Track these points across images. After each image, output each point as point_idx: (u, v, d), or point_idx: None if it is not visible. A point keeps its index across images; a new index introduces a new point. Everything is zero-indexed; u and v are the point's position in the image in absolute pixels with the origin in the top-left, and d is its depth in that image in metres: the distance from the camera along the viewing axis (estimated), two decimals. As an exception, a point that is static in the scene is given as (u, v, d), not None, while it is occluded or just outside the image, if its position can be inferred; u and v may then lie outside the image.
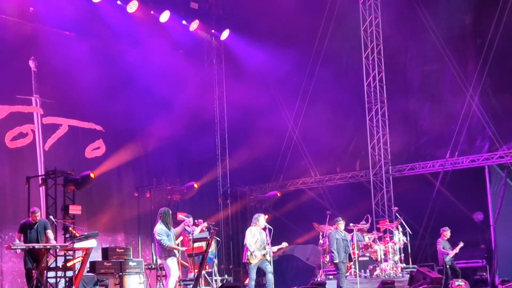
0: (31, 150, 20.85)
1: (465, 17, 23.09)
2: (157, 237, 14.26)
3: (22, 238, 15.61)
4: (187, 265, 17.93)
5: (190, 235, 17.17)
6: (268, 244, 16.00)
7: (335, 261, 17.01)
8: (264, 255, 15.78)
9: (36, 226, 15.72)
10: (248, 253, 15.76)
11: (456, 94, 22.67)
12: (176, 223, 17.95)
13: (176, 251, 14.50)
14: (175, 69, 23.85)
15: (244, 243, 16.02)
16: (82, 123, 22.14)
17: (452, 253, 19.14)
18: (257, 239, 15.80)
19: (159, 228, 14.35)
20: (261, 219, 16.08)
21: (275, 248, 16.28)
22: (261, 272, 16.39)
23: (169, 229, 14.48)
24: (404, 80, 24.02)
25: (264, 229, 16.16)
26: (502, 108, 22.27)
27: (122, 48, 22.75)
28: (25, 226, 15.72)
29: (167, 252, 14.29)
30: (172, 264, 14.40)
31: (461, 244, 19.39)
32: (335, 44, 24.53)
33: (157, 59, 23.38)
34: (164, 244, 14.18)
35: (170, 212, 14.86)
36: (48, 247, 15.65)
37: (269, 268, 15.84)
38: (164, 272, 16.32)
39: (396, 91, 23.67)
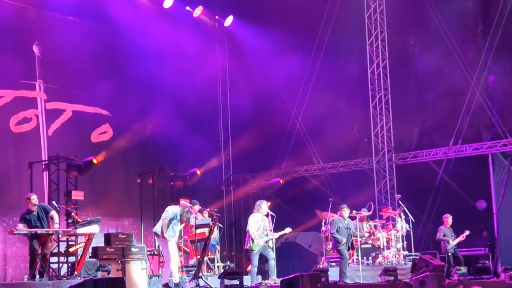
0: (35, 135, 20.88)
1: (468, 4, 23.02)
2: (165, 212, 14.44)
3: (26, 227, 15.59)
4: (188, 250, 17.95)
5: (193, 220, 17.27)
6: (270, 231, 16.03)
7: (339, 247, 16.91)
8: (266, 241, 15.80)
9: (36, 212, 15.69)
10: (250, 239, 15.78)
11: (460, 82, 22.62)
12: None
13: (170, 237, 14.60)
14: (179, 55, 23.80)
15: (247, 229, 16.04)
16: (88, 107, 22.16)
17: (454, 242, 19.14)
18: (259, 225, 15.83)
19: (173, 206, 14.55)
20: (264, 206, 16.08)
21: (277, 235, 16.30)
22: (263, 259, 16.42)
23: (180, 217, 14.70)
24: (408, 68, 23.96)
25: (267, 215, 16.19)
26: (506, 96, 22.23)
27: (126, 34, 22.67)
28: (25, 216, 15.67)
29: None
30: (172, 248, 14.47)
31: (467, 232, 19.41)
32: (339, 31, 24.46)
33: (160, 45, 23.32)
34: (164, 216, 14.37)
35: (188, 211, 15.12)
36: (51, 232, 15.67)
37: (272, 254, 15.86)
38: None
39: (399, 79, 23.64)
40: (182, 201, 15.54)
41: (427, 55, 23.67)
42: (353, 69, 24.87)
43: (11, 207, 19.64)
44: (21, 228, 15.35)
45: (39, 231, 15.37)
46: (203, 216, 17.92)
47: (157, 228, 14.96)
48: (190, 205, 16.29)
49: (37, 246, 15.29)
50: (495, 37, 21.93)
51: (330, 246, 19.59)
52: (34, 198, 15.76)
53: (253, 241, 15.76)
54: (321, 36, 24.60)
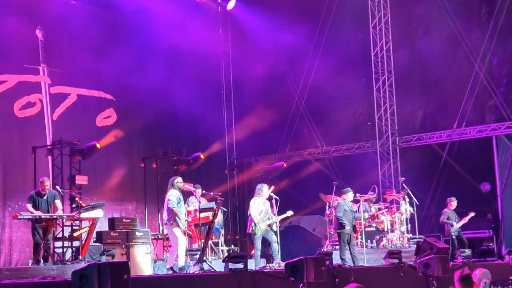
0: (39, 120, 20.90)
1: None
2: (168, 197, 14.39)
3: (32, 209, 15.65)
4: (191, 234, 17.98)
5: (193, 204, 17.30)
6: (274, 215, 16.07)
7: (342, 230, 16.86)
8: (269, 225, 15.83)
9: (46, 197, 15.78)
10: (253, 224, 15.83)
11: (464, 64, 22.55)
12: (183, 193, 18.05)
13: (178, 221, 14.53)
14: (182, 39, 23.74)
15: (248, 213, 16.08)
16: (92, 91, 22.18)
17: (458, 224, 19.17)
18: (261, 210, 15.85)
19: (172, 191, 14.49)
20: (265, 190, 16.10)
21: (279, 218, 16.30)
22: (267, 242, 16.44)
23: (181, 196, 14.66)
24: (411, 50, 23.88)
25: (270, 199, 16.21)
26: (510, 78, 22.17)
27: (128, 17, 22.67)
28: (35, 197, 15.76)
29: (172, 218, 14.38)
30: (178, 233, 14.48)
31: (472, 214, 19.42)
32: (342, 14, 24.40)
33: (163, 29, 23.24)
34: (170, 205, 14.28)
35: (181, 179, 15.00)
36: (55, 217, 15.73)
37: (274, 238, 15.89)
38: (170, 242, 16.41)
39: (403, 61, 23.57)
40: (186, 185, 15.51)
41: (431, 37, 23.60)
42: (356, 51, 24.83)
43: (17, 191, 19.73)
44: (30, 209, 15.43)
45: (43, 215, 15.43)
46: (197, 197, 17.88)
47: (165, 218, 14.82)
48: (193, 189, 16.29)
49: (40, 231, 15.37)
50: (499, 19, 21.85)
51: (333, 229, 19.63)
52: (47, 184, 15.86)
53: (255, 225, 15.81)
54: (324, 18, 24.52)
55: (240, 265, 12.40)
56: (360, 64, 24.53)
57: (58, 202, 15.93)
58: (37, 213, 15.44)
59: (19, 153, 20.12)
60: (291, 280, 11.15)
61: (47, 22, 21.00)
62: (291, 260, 11.47)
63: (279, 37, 24.79)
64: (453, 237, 19.08)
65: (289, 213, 16.85)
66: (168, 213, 14.53)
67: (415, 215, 20.38)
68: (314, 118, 25.14)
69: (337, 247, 18.88)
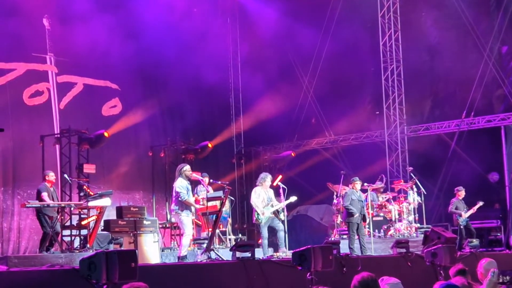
0: (47, 108, 20.92)
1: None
2: (177, 189, 14.38)
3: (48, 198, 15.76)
4: (200, 223, 17.99)
5: (201, 193, 17.30)
6: (282, 201, 16.12)
7: (350, 218, 16.84)
8: (274, 213, 15.85)
9: (53, 188, 15.89)
10: (256, 213, 15.85)
11: (472, 53, 22.47)
12: (191, 182, 18.05)
13: (192, 208, 14.59)
14: (189, 27, 23.67)
15: (251, 202, 16.13)
16: (98, 81, 22.17)
17: (466, 214, 19.15)
18: (262, 198, 15.86)
19: (180, 181, 14.48)
20: (268, 180, 16.11)
21: (282, 204, 16.27)
22: (274, 231, 16.42)
23: (189, 185, 14.65)
24: (420, 39, 23.80)
25: (278, 188, 16.22)
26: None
27: (135, 6, 22.59)
28: (48, 187, 15.89)
29: (183, 207, 14.40)
30: (187, 222, 14.49)
31: (480, 203, 19.39)
32: (350, 3, 24.32)
33: (170, 18, 23.18)
34: (182, 198, 14.30)
35: (189, 167, 14.99)
36: (63, 205, 15.76)
37: (281, 226, 15.91)
38: (178, 231, 16.43)
39: (412, 51, 23.51)
40: (193, 174, 15.50)
41: (439, 26, 23.51)
42: (365, 41, 24.76)
43: (26, 180, 19.75)
44: (33, 201, 15.47)
45: (51, 203, 15.48)
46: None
47: (174, 207, 14.84)
48: (200, 178, 16.28)
49: (49, 221, 15.46)
50: (509, 8, 21.76)
51: (340, 219, 19.60)
52: (53, 175, 16.00)
53: (259, 214, 15.84)
54: (332, 7, 24.45)
55: (248, 254, 12.39)
56: (368, 53, 24.46)
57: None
58: (46, 202, 15.51)
59: (28, 142, 20.12)
60: (299, 269, 11.12)
61: (53, 11, 20.97)
62: (298, 249, 11.44)
63: (288, 25, 24.70)
64: (461, 227, 19.07)
65: (293, 198, 16.80)
66: (177, 203, 14.54)
67: (423, 204, 20.37)
68: (322, 107, 25.09)
69: (345, 236, 18.92)
